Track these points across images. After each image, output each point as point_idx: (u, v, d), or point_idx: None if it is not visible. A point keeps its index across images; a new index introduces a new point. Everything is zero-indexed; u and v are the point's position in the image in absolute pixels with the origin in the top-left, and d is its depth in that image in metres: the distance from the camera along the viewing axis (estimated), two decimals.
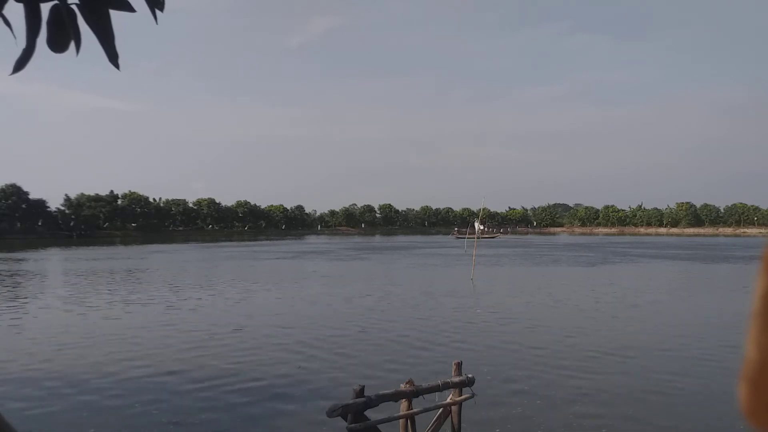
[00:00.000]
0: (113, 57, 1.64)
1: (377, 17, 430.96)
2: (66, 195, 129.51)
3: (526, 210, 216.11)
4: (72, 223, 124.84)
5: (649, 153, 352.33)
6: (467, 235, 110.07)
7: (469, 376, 7.67)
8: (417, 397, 6.98)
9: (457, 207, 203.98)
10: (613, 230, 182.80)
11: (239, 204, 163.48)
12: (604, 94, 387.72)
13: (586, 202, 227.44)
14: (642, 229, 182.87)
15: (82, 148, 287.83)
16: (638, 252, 62.01)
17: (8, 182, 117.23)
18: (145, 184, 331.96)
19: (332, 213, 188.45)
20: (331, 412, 6.16)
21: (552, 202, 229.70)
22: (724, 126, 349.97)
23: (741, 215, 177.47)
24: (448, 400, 7.60)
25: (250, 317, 18.70)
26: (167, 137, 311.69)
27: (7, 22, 1.59)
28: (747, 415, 0.48)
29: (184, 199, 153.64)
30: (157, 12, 1.74)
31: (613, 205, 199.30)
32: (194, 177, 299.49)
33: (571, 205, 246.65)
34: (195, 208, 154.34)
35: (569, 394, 10.24)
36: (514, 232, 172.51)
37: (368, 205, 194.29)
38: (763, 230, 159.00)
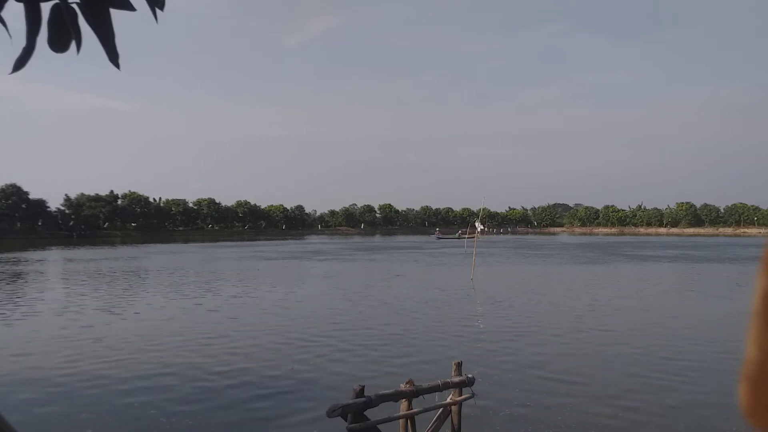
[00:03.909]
0: (114, 57, 1.64)
1: (377, 17, 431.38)
2: (66, 195, 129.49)
3: (526, 210, 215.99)
4: (72, 223, 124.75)
5: (649, 153, 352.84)
6: (448, 236, 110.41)
7: (469, 376, 7.67)
8: (417, 397, 6.98)
9: (457, 207, 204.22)
10: (613, 230, 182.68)
11: (239, 204, 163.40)
12: (604, 94, 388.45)
13: (586, 202, 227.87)
14: (642, 229, 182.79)
15: (81, 148, 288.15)
16: (638, 252, 61.98)
17: (8, 182, 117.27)
18: (145, 184, 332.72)
19: (332, 213, 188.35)
20: (331, 412, 6.16)
21: (552, 202, 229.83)
22: (724, 126, 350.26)
23: (741, 215, 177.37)
24: (448, 400, 7.61)
25: (249, 317, 18.69)
26: (167, 137, 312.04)
27: (2, 21, 1.58)
28: (747, 415, 0.48)
29: (184, 199, 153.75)
30: (158, 11, 1.74)
31: (613, 205, 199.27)
32: (194, 177, 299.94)
33: (571, 205, 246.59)
34: (195, 208, 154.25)
35: (568, 394, 10.24)
36: (514, 232, 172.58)
37: (368, 205, 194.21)
38: (763, 230, 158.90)
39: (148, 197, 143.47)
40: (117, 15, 1.65)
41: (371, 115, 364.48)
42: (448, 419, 7.70)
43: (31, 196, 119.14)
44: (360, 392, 6.30)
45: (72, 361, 12.67)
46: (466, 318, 18.60)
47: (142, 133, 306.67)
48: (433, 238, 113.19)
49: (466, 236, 54.65)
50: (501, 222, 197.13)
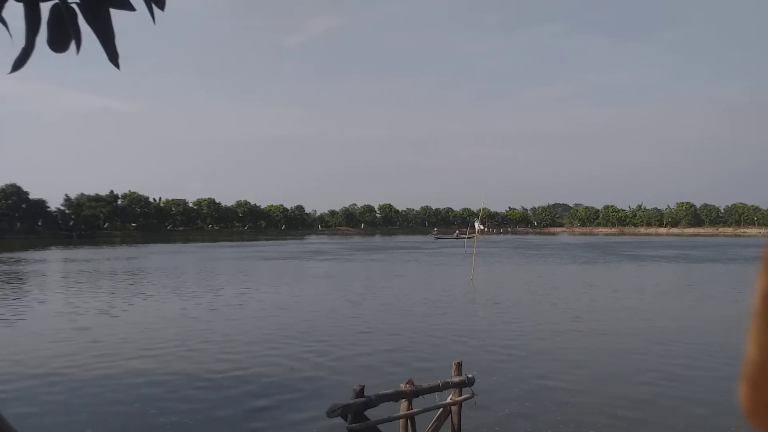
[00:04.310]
0: (113, 57, 1.63)
1: (377, 17, 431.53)
2: (66, 195, 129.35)
3: (526, 210, 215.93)
4: (72, 223, 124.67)
5: (649, 153, 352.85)
6: (446, 236, 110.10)
7: (469, 376, 7.67)
8: (417, 397, 6.98)
9: (457, 207, 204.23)
10: (613, 230, 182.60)
11: (239, 204, 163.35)
12: (604, 94, 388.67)
13: (586, 202, 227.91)
14: (642, 229, 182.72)
15: (81, 148, 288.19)
16: (638, 252, 61.97)
17: (8, 182, 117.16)
18: (145, 184, 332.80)
19: (332, 213, 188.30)
20: (331, 412, 6.16)
21: (552, 202, 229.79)
22: (724, 126, 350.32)
23: (741, 215, 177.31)
24: (448, 400, 7.60)
25: (249, 317, 18.68)
26: (167, 137, 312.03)
27: (2, 21, 1.58)
28: (747, 415, 0.48)
29: (184, 199, 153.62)
30: (158, 12, 1.74)
31: (613, 205, 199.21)
32: (194, 177, 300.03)
33: (571, 205, 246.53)
34: (195, 208, 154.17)
35: (568, 395, 10.24)
36: (514, 232, 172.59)
37: (368, 205, 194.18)
38: (763, 230, 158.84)
39: (148, 197, 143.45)
40: (117, 15, 1.65)
41: (371, 115, 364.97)
42: (448, 419, 7.70)
43: (31, 196, 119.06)
44: (360, 392, 6.30)
45: (71, 362, 12.66)
46: (466, 318, 18.60)
47: (142, 133, 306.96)
48: (431, 238, 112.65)
49: (465, 236, 54.48)
50: (501, 222, 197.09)
